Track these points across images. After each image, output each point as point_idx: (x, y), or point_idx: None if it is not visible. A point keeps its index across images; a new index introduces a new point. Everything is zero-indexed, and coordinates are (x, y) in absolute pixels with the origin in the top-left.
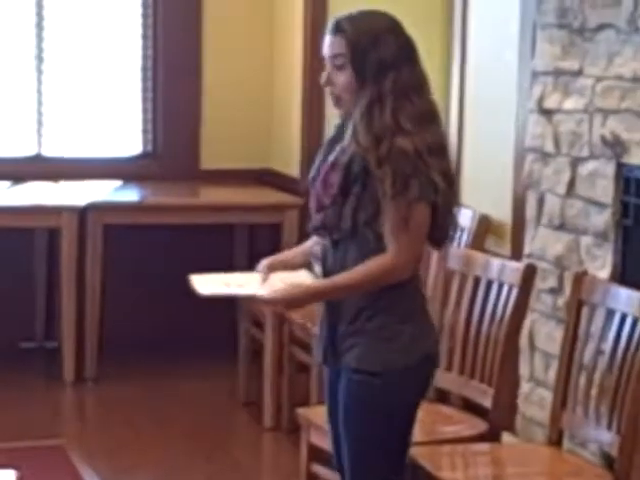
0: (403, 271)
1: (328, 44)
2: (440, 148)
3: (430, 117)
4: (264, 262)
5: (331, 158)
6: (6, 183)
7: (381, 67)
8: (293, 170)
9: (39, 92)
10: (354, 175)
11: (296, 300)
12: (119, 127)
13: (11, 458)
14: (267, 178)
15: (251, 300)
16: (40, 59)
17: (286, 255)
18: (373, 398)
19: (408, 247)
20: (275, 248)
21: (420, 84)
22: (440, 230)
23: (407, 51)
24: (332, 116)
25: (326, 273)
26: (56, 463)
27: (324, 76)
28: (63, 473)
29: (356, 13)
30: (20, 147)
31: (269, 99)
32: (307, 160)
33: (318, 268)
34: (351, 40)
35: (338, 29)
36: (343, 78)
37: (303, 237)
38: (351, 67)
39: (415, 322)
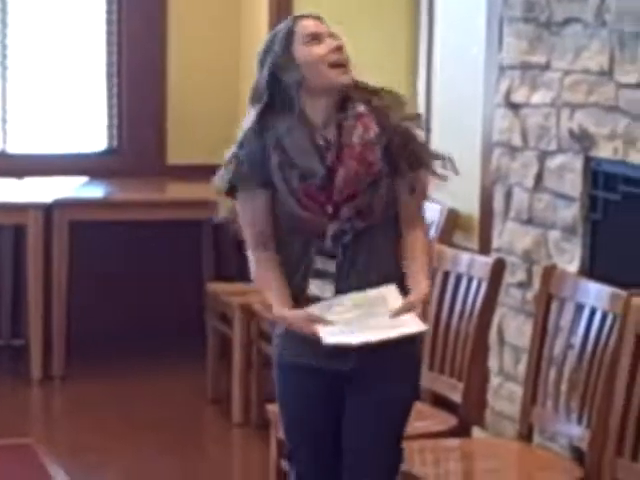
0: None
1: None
2: None
3: None
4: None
5: (354, 139)
6: None
7: None
8: None
9: (3, 88)
10: (390, 151)
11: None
12: (84, 123)
13: None
14: None
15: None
16: (4, 55)
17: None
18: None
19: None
20: (241, 243)
21: None
22: None
23: None
24: None
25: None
26: (24, 462)
27: (331, 44)
28: (31, 471)
29: None
30: None
31: (235, 93)
32: None
33: (322, 283)
34: None
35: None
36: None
37: None
38: None
39: None
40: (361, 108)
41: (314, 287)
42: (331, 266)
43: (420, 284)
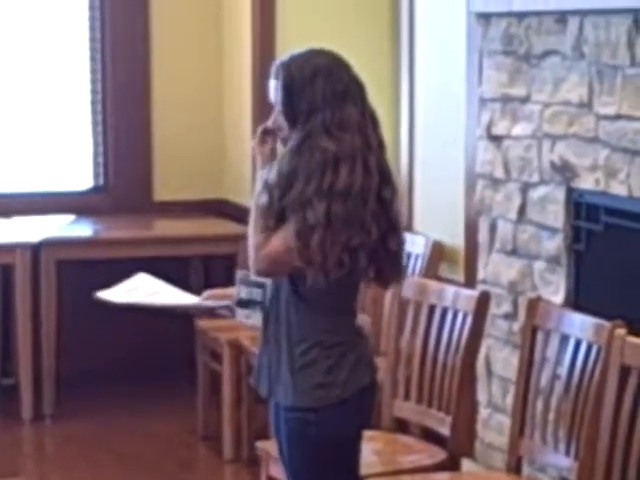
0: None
1: (271, 88)
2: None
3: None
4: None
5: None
6: None
7: (310, 110)
8: (247, 200)
9: None
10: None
11: None
12: (70, 161)
13: None
14: (222, 208)
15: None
16: None
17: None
18: (310, 434)
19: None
20: (230, 279)
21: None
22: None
23: (341, 92)
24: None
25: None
26: None
27: (272, 122)
28: None
29: (296, 54)
30: None
31: (220, 129)
32: None
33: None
34: (283, 86)
35: (276, 74)
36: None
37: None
38: (282, 110)
39: (352, 354)
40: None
41: None
42: None
43: None
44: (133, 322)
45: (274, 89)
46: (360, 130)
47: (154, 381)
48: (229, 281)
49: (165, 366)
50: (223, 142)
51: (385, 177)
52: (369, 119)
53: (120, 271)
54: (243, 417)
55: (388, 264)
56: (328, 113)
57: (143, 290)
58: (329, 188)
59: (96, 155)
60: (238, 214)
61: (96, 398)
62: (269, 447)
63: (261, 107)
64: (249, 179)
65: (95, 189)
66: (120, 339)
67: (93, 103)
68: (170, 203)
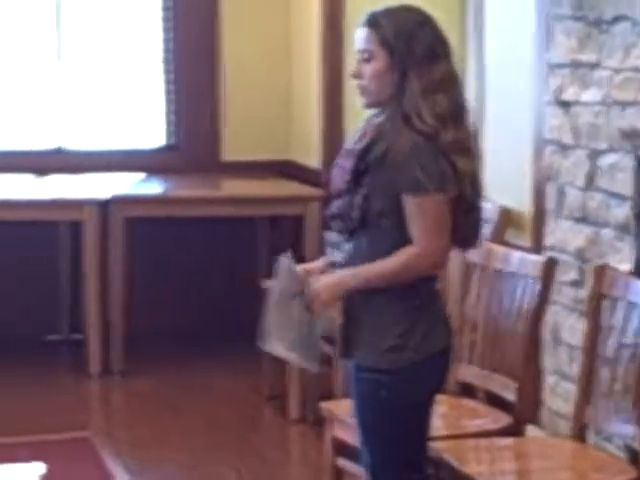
0: (428, 261)
1: (360, 37)
2: (465, 148)
3: (459, 114)
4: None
5: (348, 145)
6: (29, 176)
7: (424, 57)
8: (314, 161)
9: (61, 85)
10: (367, 164)
11: (336, 288)
12: (141, 119)
13: (39, 451)
14: (288, 170)
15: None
16: (59, 52)
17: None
18: (381, 396)
19: (430, 237)
20: (297, 240)
21: (451, 80)
22: (461, 230)
23: (443, 45)
24: (352, 106)
25: (341, 264)
26: (83, 455)
27: (354, 68)
28: (90, 465)
29: (391, 7)
30: (42, 140)
31: (288, 91)
32: (328, 151)
33: (337, 255)
34: (387, 34)
35: (372, 23)
36: (370, 69)
37: (325, 229)
38: (389, 60)
39: (427, 318)
40: (375, 120)
41: None
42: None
43: (327, 278)
44: (201, 281)
45: (364, 38)
46: (456, 85)
47: (220, 341)
48: (295, 242)
49: (231, 326)
50: (291, 104)
51: None
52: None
53: (187, 230)
54: (309, 378)
55: (471, 227)
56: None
57: None
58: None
59: (168, 114)
60: (305, 175)
61: (164, 356)
62: (335, 408)
63: (330, 70)
64: (317, 140)
65: (166, 148)
66: (188, 298)
67: (166, 62)
68: (237, 163)
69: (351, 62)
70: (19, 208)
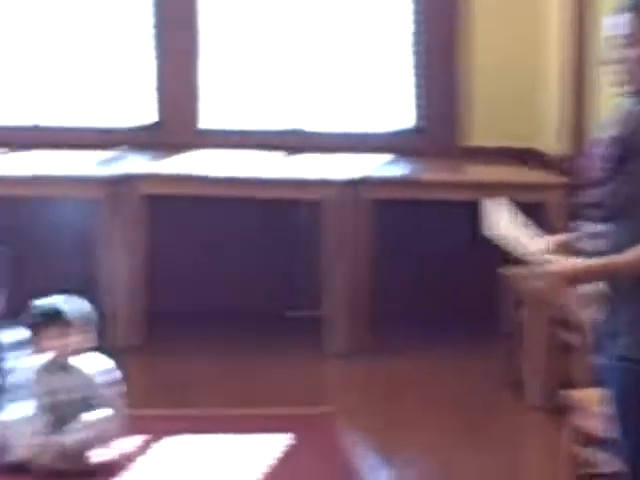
0: None
1: (622, 22)
2: None
3: None
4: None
5: (607, 133)
6: (276, 154)
7: None
8: (556, 149)
9: (301, 66)
10: (631, 151)
11: (579, 275)
12: (384, 102)
13: (285, 423)
14: (528, 157)
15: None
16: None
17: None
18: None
19: None
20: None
21: None
22: None
23: None
24: (596, 94)
25: (596, 253)
26: (327, 429)
27: (616, 54)
28: (333, 441)
29: None
30: (284, 120)
31: (534, 78)
32: (576, 138)
33: (590, 245)
34: None
35: (636, 7)
36: (636, 53)
37: (570, 217)
38: None
39: None
40: (637, 108)
41: None
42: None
43: (572, 262)
44: (434, 262)
45: (628, 22)
46: None
47: (458, 325)
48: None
49: (466, 310)
50: (536, 91)
51: None
52: None
53: (432, 213)
54: (550, 365)
55: None
56: None
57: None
58: None
59: (419, 97)
60: (546, 162)
61: (406, 337)
62: (577, 396)
63: (579, 59)
64: (559, 128)
65: (413, 131)
66: (426, 279)
67: (416, 45)
68: (480, 149)
69: (595, 50)
70: (273, 186)
